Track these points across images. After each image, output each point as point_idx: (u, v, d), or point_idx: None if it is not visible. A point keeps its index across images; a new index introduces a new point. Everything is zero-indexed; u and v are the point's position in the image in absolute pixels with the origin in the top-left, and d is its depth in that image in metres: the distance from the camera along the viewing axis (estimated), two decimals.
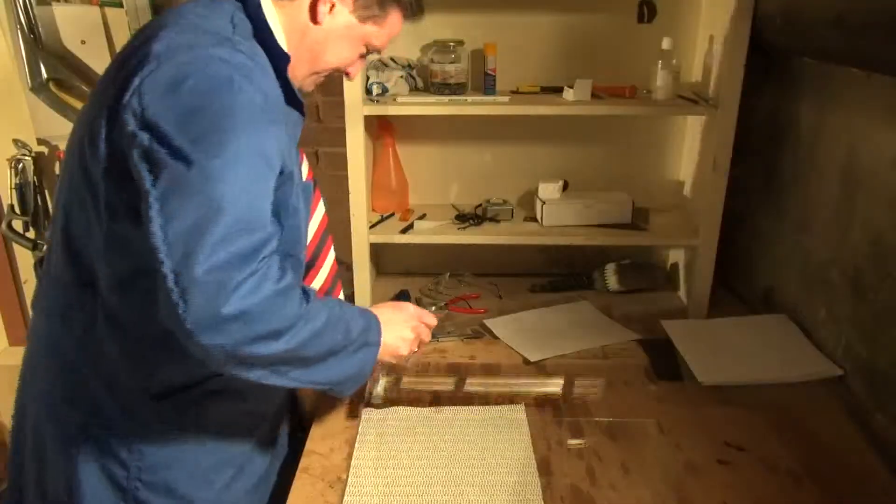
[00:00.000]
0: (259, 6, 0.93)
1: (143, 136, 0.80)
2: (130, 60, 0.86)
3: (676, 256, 1.81)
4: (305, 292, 0.91)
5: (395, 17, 1.01)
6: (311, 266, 1.20)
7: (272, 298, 0.81)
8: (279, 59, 0.94)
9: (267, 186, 0.86)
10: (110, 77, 0.91)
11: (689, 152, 1.76)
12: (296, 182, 1.00)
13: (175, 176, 0.78)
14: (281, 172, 0.90)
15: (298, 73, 1.00)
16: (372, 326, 1.04)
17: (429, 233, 1.66)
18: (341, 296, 1.30)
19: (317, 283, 1.21)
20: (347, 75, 1.06)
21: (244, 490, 1.11)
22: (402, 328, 1.12)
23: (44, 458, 1.03)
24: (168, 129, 0.79)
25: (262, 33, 0.92)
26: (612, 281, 1.76)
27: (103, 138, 0.86)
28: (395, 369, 1.31)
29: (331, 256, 1.25)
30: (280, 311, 0.83)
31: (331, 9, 0.95)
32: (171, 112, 0.80)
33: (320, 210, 1.22)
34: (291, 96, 0.98)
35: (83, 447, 0.98)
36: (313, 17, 0.95)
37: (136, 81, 0.82)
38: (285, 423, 1.25)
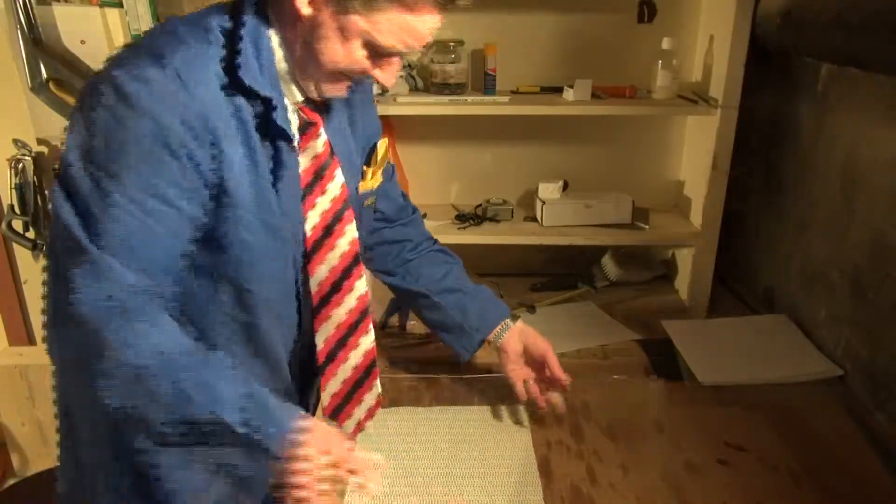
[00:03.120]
0: (244, 14, 0.87)
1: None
2: None
3: (677, 256, 1.81)
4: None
5: (389, 11, 0.84)
6: (329, 298, 1.05)
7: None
8: (254, 81, 0.86)
9: (161, 227, 0.82)
10: None
11: (689, 152, 1.76)
12: (245, 209, 0.89)
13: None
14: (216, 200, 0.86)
15: (305, 77, 0.92)
16: (283, 428, 0.80)
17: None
18: (371, 337, 1.11)
19: (338, 316, 1.07)
20: (376, 81, 0.92)
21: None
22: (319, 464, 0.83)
23: None
24: (73, 168, 0.80)
25: (235, 44, 0.85)
26: (610, 268, 1.76)
27: None
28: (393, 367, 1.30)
29: (358, 287, 1.07)
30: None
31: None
32: (76, 151, 0.81)
33: (348, 235, 1.03)
34: (268, 122, 0.89)
35: None
36: (294, 9, 0.85)
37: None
38: None
